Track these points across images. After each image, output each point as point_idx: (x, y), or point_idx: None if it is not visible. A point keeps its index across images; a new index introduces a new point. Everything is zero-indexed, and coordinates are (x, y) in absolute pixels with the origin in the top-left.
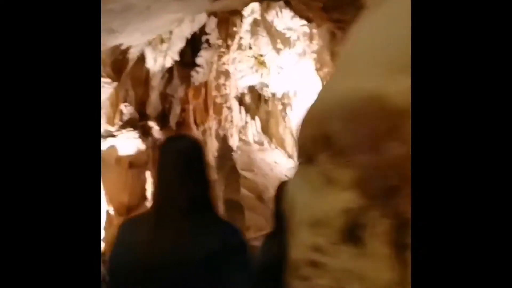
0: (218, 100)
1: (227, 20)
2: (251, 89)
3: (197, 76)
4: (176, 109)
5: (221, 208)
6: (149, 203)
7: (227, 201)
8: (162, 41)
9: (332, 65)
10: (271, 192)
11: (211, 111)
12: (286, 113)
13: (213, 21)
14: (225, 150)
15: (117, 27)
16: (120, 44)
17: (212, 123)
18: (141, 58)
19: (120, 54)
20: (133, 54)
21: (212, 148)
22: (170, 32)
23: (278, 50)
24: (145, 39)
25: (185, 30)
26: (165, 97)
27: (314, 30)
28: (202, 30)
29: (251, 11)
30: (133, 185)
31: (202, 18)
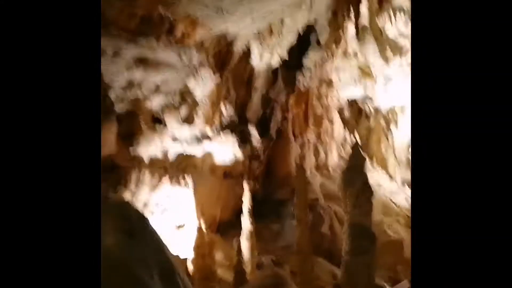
0: (319, 111)
1: (357, 2)
2: (351, 102)
3: (303, 81)
4: (278, 116)
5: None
6: (245, 219)
7: (354, 226)
8: (271, 33)
9: None
10: (375, 216)
11: (311, 122)
12: (390, 131)
13: (324, 18)
14: (357, 161)
15: (227, 7)
16: (226, 33)
17: (311, 136)
18: (247, 54)
19: (225, 46)
20: (238, 47)
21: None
22: (282, 23)
23: (386, 59)
24: (255, 28)
25: (299, 21)
26: (267, 101)
27: None
28: (311, 27)
29: (359, 15)
30: (227, 198)
31: (320, 5)
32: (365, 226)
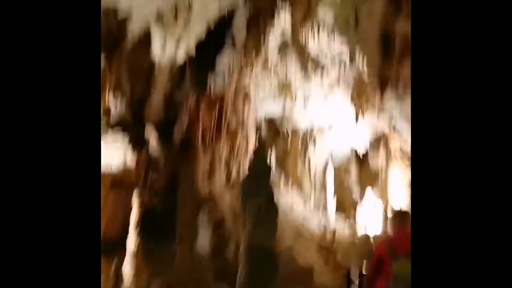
0: (233, 125)
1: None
2: (269, 120)
3: (215, 85)
4: (184, 122)
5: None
6: (131, 237)
7: (254, 248)
8: (176, 19)
9: (373, 96)
10: (286, 241)
11: (223, 136)
12: (307, 153)
13: (241, 13)
14: (260, 169)
15: None
16: (115, 6)
17: (223, 150)
18: (146, 40)
19: (116, 24)
20: (135, 29)
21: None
22: (189, 7)
23: (307, 77)
24: (154, 7)
25: (211, 9)
26: (170, 103)
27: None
28: (227, 24)
29: (281, 31)
30: (114, 211)
31: None
32: (267, 250)
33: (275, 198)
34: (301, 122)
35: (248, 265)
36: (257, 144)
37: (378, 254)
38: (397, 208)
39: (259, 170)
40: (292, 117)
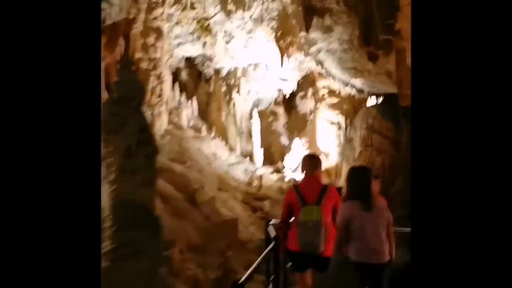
0: (145, 65)
1: None
2: (190, 63)
3: (110, 11)
4: None
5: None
6: None
7: (121, 204)
8: None
9: (298, 32)
10: (207, 192)
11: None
12: (231, 97)
13: None
14: (127, 92)
15: None
16: None
17: None
18: None
19: None
20: None
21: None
22: None
23: (228, 13)
24: None
25: None
26: None
27: None
28: None
29: None
30: None
31: None
32: (140, 205)
33: (152, 132)
34: (223, 63)
35: (115, 230)
36: (174, 89)
37: (287, 200)
38: (324, 150)
39: (125, 91)
40: (213, 58)
